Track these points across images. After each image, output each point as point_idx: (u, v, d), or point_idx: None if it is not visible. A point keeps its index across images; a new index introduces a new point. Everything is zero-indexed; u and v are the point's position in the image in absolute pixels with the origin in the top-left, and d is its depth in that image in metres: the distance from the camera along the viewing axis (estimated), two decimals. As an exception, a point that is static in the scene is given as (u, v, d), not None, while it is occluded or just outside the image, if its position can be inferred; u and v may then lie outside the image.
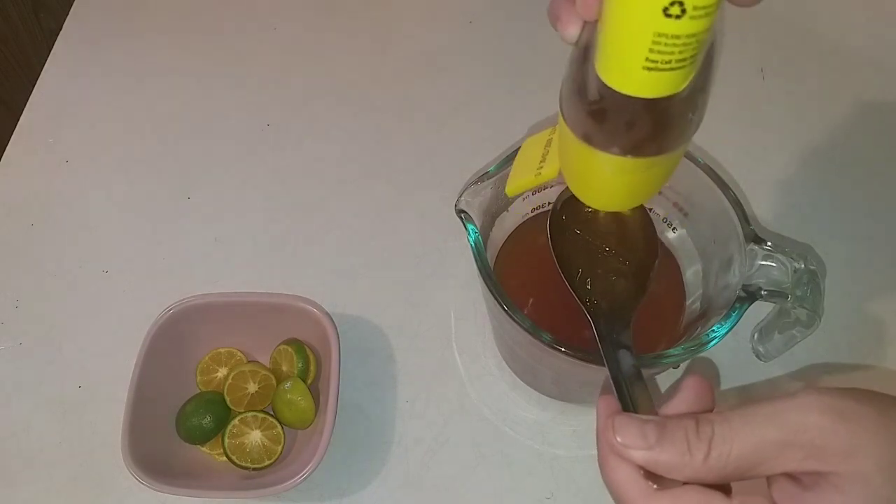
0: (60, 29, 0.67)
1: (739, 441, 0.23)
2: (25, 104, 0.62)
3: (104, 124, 0.61)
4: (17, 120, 0.61)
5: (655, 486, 0.24)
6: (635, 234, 0.37)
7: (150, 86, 0.63)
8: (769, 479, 0.24)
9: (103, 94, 0.63)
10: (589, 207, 0.36)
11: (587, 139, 0.26)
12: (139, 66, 0.64)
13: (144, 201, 0.57)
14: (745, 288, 0.35)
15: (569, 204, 0.36)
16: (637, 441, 0.24)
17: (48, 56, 0.65)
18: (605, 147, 0.26)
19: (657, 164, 0.26)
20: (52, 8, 0.91)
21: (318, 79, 0.63)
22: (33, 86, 0.63)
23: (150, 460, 0.42)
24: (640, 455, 0.24)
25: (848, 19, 0.64)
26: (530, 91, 0.61)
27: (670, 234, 0.43)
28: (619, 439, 0.25)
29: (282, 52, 0.65)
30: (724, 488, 0.25)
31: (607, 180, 0.28)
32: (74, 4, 0.69)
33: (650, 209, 0.43)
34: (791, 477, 0.24)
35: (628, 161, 0.26)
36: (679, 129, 0.25)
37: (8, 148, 0.60)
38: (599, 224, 0.37)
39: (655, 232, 0.37)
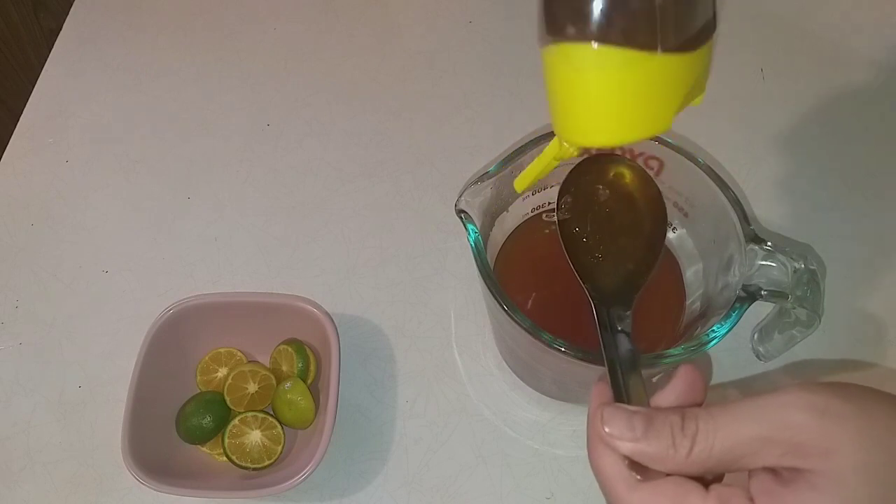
0: (60, 29, 0.67)
1: (721, 437, 0.24)
2: (25, 104, 0.62)
3: (104, 124, 0.61)
4: (17, 120, 0.61)
5: (639, 477, 0.25)
6: (644, 212, 0.36)
7: (150, 85, 0.63)
8: (750, 472, 0.25)
9: (103, 94, 0.63)
10: (600, 186, 0.36)
11: (578, 35, 0.24)
12: (139, 65, 0.64)
13: (144, 201, 0.57)
14: (745, 288, 0.35)
15: (578, 184, 0.36)
16: (624, 432, 0.25)
17: (48, 56, 0.65)
18: (599, 38, 0.24)
19: (657, 68, 0.24)
20: (52, 8, 0.91)
21: (318, 79, 0.63)
22: (33, 86, 0.63)
23: (150, 460, 0.42)
24: (626, 446, 0.25)
25: (848, 19, 0.64)
26: (530, 91, 0.61)
27: (670, 234, 0.43)
28: (607, 429, 0.25)
29: (282, 52, 0.65)
30: (704, 479, 0.25)
31: (601, 87, 0.25)
32: (74, 4, 0.69)
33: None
34: (771, 471, 0.24)
35: (623, 53, 0.24)
36: (690, 17, 0.23)
37: (8, 148, 0.60)
38: (608, 204, 0.36)
39: (665, 210, 0.36)
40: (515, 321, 0.34)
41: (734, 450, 0.24)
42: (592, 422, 0.26)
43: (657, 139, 0.39)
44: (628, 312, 0.33)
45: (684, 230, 0.42)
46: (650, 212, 0.36)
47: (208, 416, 0.44)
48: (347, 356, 0.49)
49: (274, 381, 0.47)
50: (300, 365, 0.46)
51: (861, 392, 0.24)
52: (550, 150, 0.32)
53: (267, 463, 0.44)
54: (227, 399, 0.46)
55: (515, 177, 0.40)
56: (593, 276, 0.34)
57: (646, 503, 0.24)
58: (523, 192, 0.39)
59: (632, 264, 0.35)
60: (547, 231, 0.45)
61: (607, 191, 0.37)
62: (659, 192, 0.37)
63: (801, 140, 0.58)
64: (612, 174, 0.37)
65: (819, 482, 0.22)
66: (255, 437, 0.45)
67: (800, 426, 0.23)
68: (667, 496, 0.24)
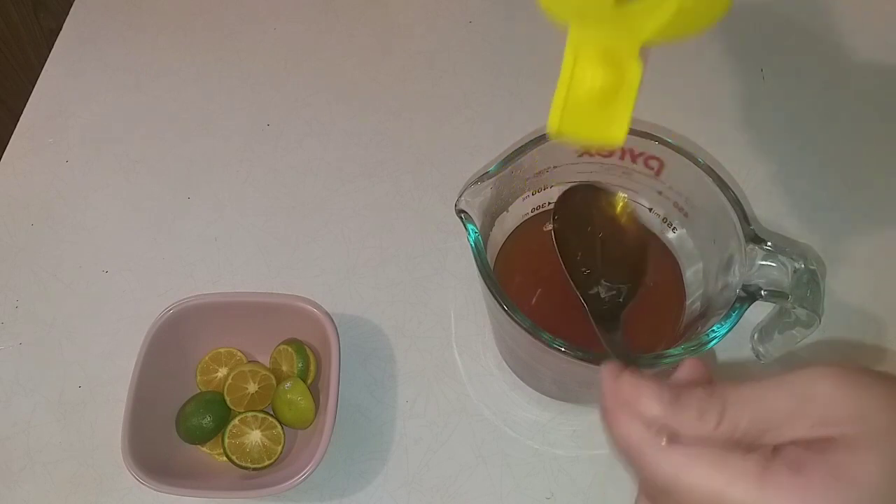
0: (60, 29, 0.67)
1: (750, 409, 0.23)
2: (25, 104, 0.62)
3: (104, 124, 0.61)
4: (17, 120, 0.61)
5: (664, 443, 0.24)
6: (627, 240, 0.39)
7: (149, 86, 0.63)
8: (775, 448, 0.24)
9: (103, 94, 0.63)
10: (601, 200, 0.38)
11: None
12: (139, 65, 0.64)
13: (144, 201, 0.57)
14: (745, 288, 0.35)
15: (573, 196, 0.36)
16: (653, 399, 0.24)
17: (48, 56, 0.65)
18: None
19: None
20: (52, 8, 0.91)
21: (318, 79, 0.63)
22: (33, 86, 0.63)
23: (150, 460, 0.42)
24: (655, 410, 0.24)
25: (848, 19, 0.64)
26: (530, 91, 0.61)
27: (670, 234, 0.43)
28: (635, 392, 0.24)
29: (282, 52, 0.65)
30: None
31: None
32: (74, 4, 0.69)
33: (650, 209, 0.43)
34: (798, 445, 0.23)
35: None
36: None
37: (8, 148, 0.60)
38: (601, 221, 0.38)
39: (647, 237, 0.39)
40: (515, 321, 0.34)
41: (761, 423, 0.23)
42: (614, 390, 0.25)
43: (657, 139, 0.39)
44: (618, 328, 0.34)
45: (684, 230, 0.42)
46: (634, 240, 0.40)
47: (208, 416, 0.44)
48: (347, 356, 0.49)
49: (274, 381, 0.47)
50: (300, 365, 0.46)
51: (885, 372, 0.24)
52: (567, 64, 0.27)
53: (267, 463, 0.44)
54: (227, 399, 0.46)
55: (515, 176, 0.40)
56: (587, 284, 0.36)
57: (680, 465, 0.23)
58: (558, 137, 0.31)
59: (618, 288, 0.38)
60: (546, 231, 0.46)
61: (594, 217, 0.40)
62: (647, 229, 0.40)
63: (801, 140, 0.58)
64: (602, 202, 0.41)
65: (856, 443, 0.22)
66: (255, 437, 0.45)
67: (829, 396, 0.22)
68: (703, 458, 0.23)
